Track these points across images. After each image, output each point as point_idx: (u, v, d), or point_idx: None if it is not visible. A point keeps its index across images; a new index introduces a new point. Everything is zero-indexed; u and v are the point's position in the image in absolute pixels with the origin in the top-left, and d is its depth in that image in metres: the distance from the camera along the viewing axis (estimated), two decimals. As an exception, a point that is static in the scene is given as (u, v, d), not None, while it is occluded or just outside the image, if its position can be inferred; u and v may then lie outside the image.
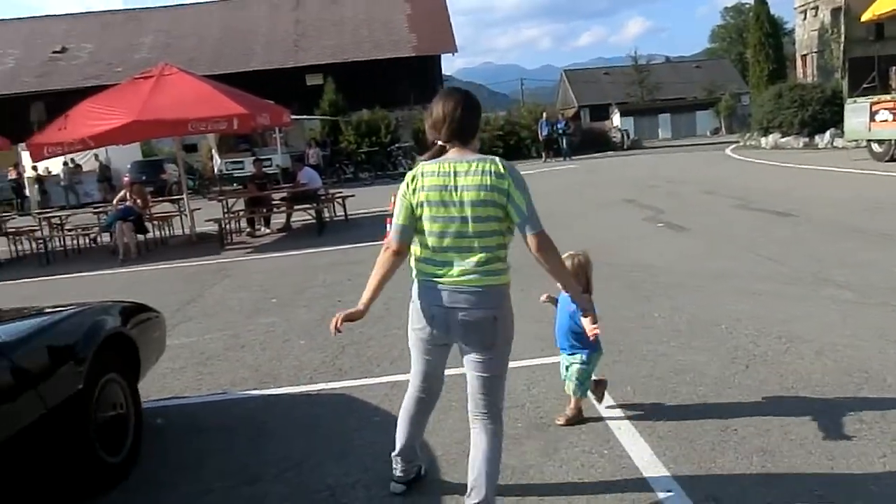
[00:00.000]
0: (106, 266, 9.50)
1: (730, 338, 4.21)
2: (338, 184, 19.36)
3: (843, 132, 16.24)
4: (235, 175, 20.92)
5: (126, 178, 12.79)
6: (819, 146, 19.00)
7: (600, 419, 3.25)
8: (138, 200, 10.87)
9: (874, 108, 13.85)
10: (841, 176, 12.54)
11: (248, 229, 11.83)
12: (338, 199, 12.43)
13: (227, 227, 11.30)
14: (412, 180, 2.36)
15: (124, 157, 22.14)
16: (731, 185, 12.17)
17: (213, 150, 23.20)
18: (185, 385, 4.27)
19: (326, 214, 11.93)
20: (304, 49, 30.25)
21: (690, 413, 3.24)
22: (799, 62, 26.66)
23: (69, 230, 11.78)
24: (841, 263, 5.83)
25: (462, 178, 2.29)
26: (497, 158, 2.35)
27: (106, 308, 3.38)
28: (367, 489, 2.79)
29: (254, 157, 15.88)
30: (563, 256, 2.56)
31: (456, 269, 2.32)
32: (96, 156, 22.37)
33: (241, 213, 11.96)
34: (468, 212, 2.28)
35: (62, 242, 11.53)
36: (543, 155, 23.82)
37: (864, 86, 15.96)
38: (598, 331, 2.57)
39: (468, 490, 2.40)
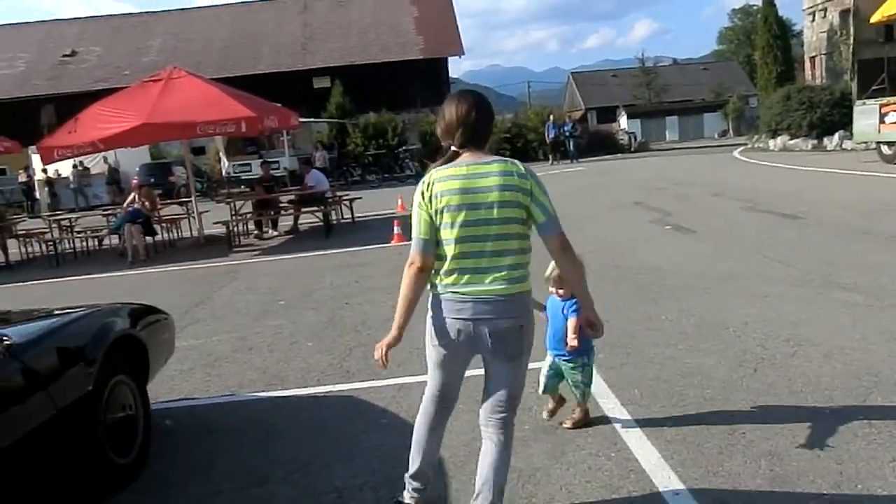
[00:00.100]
0: (115, 268, 9.56)
1: (738, 341, 4.20)
2: (345, 186, 19.41)
3: (852, 134, 16.15)
4: (243, 178, 21.04)
5: (134, 181, 12.89)
6: (828, 148, 18.90)
7: (608, 422, 3.25)
8: (147, 203, 10.93)
9: (883, 110, 13.77)
10: (850, 178, 12.47)
11: (255, 232, 11.89)
12: (345, 202, 12.47)
13: (235, 229, 11.36)
14: (427, 188, 2.26)
15: (133, 160, 22.30)
16: (739, 188, 12.12)
17: (221, 153, 23.34)
18: (194, 387, 4.30)
19: (334, 217, 11.96)
20: (312, 52, 30.36)
21: (698, 416, 3.23)
22: (807, 64, 26.52)
23: (78, 232, 11.87)
24: (850, 266, 5.80)
25: (483, 180, 2.21)
26: (514, 160, 2.30)
27: (115, 310, 3.41)
28: (375, 491, 2.80)
29: (261, 160, 15.95)
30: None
31: (481, 278, 2.22)
32: (105, 158, 22.54)
33: (249, 216, 12.01)
34: (493, 214, 2.20)
35: (72, 245, 11.62)
36: (550, 157, 23.80)
37: (874, 88, 15.86)
38: (575, 343, 2.60)
39: (475, 494, 2.40)
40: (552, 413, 3.29)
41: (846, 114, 17.34)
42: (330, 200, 12.09)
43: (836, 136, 18.84)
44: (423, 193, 2.28)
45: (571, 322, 2.80)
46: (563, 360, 3.13)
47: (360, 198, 13.18)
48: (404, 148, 24.28)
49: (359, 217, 12.45)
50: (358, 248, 9.16)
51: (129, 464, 3.05)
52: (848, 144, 17.69)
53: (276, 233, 11.91)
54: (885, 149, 14.03)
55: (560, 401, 3.30)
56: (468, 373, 3.74)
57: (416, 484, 2.51)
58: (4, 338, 2.67)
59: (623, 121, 41.25)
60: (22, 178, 24.45)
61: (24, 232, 12.16)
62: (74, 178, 23.10)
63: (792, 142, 20.30)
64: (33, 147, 13.30)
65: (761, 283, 5.52)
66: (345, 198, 12.66)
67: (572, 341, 2.58)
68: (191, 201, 12.25)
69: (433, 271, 2.30)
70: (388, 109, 26.02)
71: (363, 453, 3.14)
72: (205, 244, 11.13)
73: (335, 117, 26.02)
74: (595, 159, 24.27)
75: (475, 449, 3.04)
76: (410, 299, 2.33)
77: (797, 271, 5.80)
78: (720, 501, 2.52)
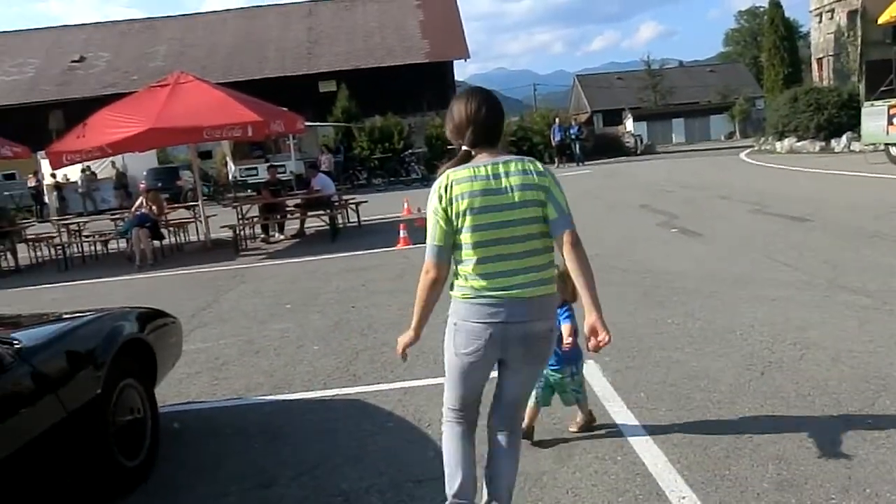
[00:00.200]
0: (123, 272, 9.62)
1: (744, 344, 4.19)
2: (351, 190, 19.46)
3: (859, 136, 16.07)
4: (250, 182, 21.12)
5: (142, 185, 12.96)
6: (835, 150, 18.82)
7: (614, 426, 3.25)
8: (154, 207, 11.00)
9: (892, 112, 13.71)
10: (858, 180, 12.41)
11: (262, 235, 11.93)
12: (351, 206, 12.50)
13: (242, 233, 11.40)
14: (445, 191, 2.15)
15: (140, 165, 22.42)
16: (745, 190, 12.08)
17: (228, 157, 23.44)
18: (201, 390, 4.32)
19: (340, 221, 11.99)
20: (317, 56, 30.49)
21: (704, 420, 3.22)
22: (815, 65, 26.42)
23: (87, 237, 11.94)
24: (858, 269, 5.77)
25: (505, 180, 2.14)
26: (532, 158, 2.24)
27: (123, 314, 3.43)
28: (381, 494, 2.80)
29: (268, 164, 16.01)
30: None
31: (511, 280, 2.14)
32: (113, 163, 22.67)
33: (256, 220, 12.06)
34: (516, 214, 2.13)
35: (80, 249, 11.69)
36: (556, 160, 23.79)
37: (882, 89, 15.79)
38: (570, 341, 2.56)
39: (486, 498, 2.38)
40: (530, 434, 3.11)
41: (854, 115, 17.26)
42: (336, 204, 12.13)
43: (844, 137, 18.75)
44: (440, 197, 2.16)
45: (566, 326, 2.74)
46: (552, 370, 3.03)
47: (366, 201, 13.21)
48: (410, 151, 24.31)
49: (365, 221, 12.48)
50: (364, 252, 9.18)
51: (137, 466, 3.07)
52: (856, 146, 17.60)
53: (282, 237, 11.95)
54: (893, 150, 13.95)
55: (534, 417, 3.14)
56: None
57: (463, 502, 2.35)
58: (15, 341, 2.70)
59: (629, 123, 41.16)
60: (31, 182, 24.64)
61: (33, 236, 12.26)
62: (83, 183, 23.25)
63: (799, 144, 20.22)
64: (42, 152, 13.39)
65: (768, 286, 5.50)
66: (351, 201, 12.69)
67: (568, 338, 2.55)
68: (198, 205, 12.31)
69: (460, 276, 2.20)
70: (394, 113, 26.08)
71: (370, 456, 3.15)
72: (212, 248, 11.18)
73: (341, 121, 26.10)
74: (601, 162, 24.25)
75: (481, 453, 3.05)
76: (427, 304, 2.27)
77: (804, 274, 5.78)
78: (727, 505, 2.51)
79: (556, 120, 25.00)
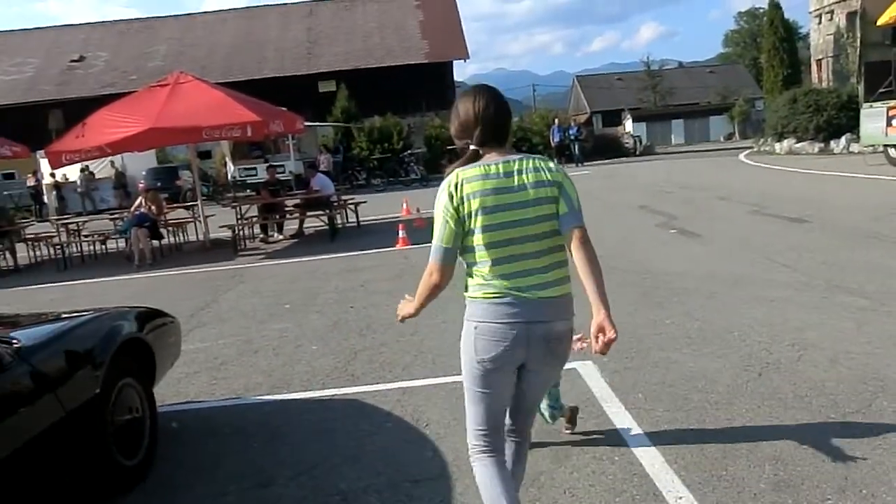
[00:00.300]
0: (122, 272, 9.62)
1: (742, 345, 4.19)
2: (350, 190, 19.46)
3: (858, 137, 16.09)
4: (249, 181, 21.13)
5: (141, 185, 12.96)
6: (834, 151, 18.84)
7: (611, 426, 3.25)
8: (153, 207, 11.00)
9: (891, 113, 13.71)
10: (856, 181, 12.42)
11: (261, 235, 11.94)
12: (350, 206, 12.50)
13: (241, 233, 11.40)
14: (455, 189, 2.07)
15: (139, 164, 22.42)
16: (744, 191, 12.10)
17: (227, 157, 23.44)
18: (200, 390, 4.32)
19: (339, 221, 12.00)
20: (317, 56, 30.51)
21: (702, 420, 3.23)
22: (814, 67, 26.44)
23: (86, 236, 11.94)
24: (856, 270, 5.78)
25: (518, 178, 2.08)
26: (543, 156, 2.21)
27: (122, 313, 3.44)
28: (379, 493, 2.81)
29: (267, 164, 16.02)
30: None
31: (530, 279, 2.08)
32: (112, 163, 22.67)
33: (255, 220, 12.07)
34: (530, 213, 2.07)
35: (79, 248, 11.69)
36: (555, 161, 23.79)
37: (881, 90, 15.79)
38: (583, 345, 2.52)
39: None
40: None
41: (853, 117, 17.27)
42: (335, 204, 12.13)
43: (843, 139, 18.77)
44: (451, 196, 2.08)
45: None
46: None
47: (365, 202, 13.22)
48: (409, 152, 24.31)
49: (364, 221, 12.49)
50: (363, 252, 9.19)
51: (136, 465, 3.07)
52: (855, 148, 17.63)
53: (281, 237, 11.96)
54: (892, 152, 13.96)
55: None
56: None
57: None
58: (14, 341, 2.70)
59: (628, 124, 41.20)
60: (30, 182, 24.64)
61: (32, 236, 12.26)
62: (82, 183, 23.25)
63: (798, 145, 20.24)
64: (41, 151, 13.38)
65: (767, 287, 5.51)
66: (350, 202, 12.70)
67: (580, 343, 2.52)
68: (197, 205, 12.31)
69: (478, 277, 2.10)
70: (394, 113, 26.10)
71: (368, 456, 3.16)
72: (211, 248, 11.18)
73: (340, 121, 26.12)
74: (600, 163, 24.26)
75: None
76: (427, 300, 2.23)
77: (803, 275, 5.79)
78: (724, 505, 2.52)
79: (556, 121, 25.02)
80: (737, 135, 39.96)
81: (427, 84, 28.34)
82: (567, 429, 3.19)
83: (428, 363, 4.34)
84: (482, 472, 2.18)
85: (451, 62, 30.51)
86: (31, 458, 2.52)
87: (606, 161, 24.91)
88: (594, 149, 26.41)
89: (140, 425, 3.20)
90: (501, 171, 2.09)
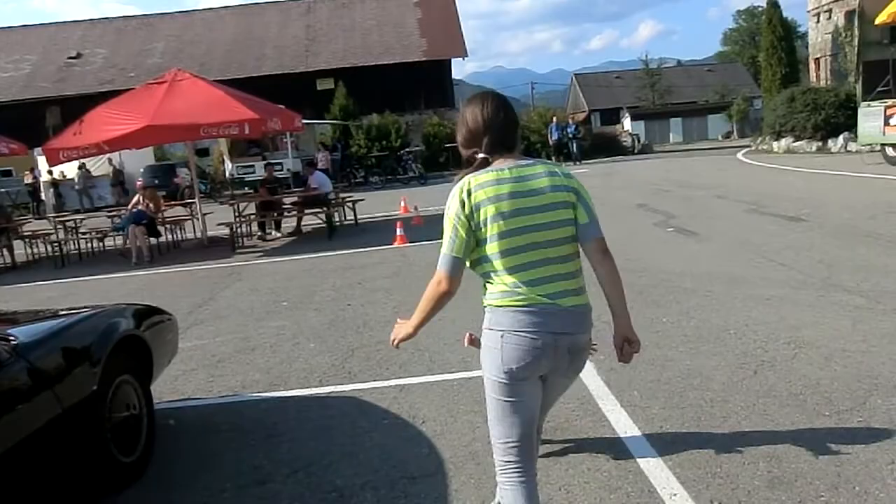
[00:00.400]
0: (119, 269, 9.61)
1: (738, 343, 4.21)
2: (348, 188, 19.46)
3: (856, 136, 16.11)
4: (247, 179, 21.12)
5: (139, 183, 12.94)
6: (832, 150, 18.87)
7: (607, 424, 3.27)
8: (151, 204, 10.99)
9: (888, 112, 13.74)
10: (854, 180, 12.45)
11: (258, 233, 11.94)
12: (348, 204, 12.51)
13: (239, 230, 11.40)
14: (467, 196, 2.00)
15: (137, 162, 22.40)
16: (742, 190, 12.11)
17: (225, 155, 23.40)
18: (197, 387, 4.33)
19: (337, 218, 12.00)
20: (315, 54, 30.46)
21: (697, 418, 3.25)
22: (812, 66, 26.51)
23: (83, 234, 11.94)
24: (853, 268, 5.80)
25: (531, 182, 2.03)
26: (553, 162, 2.20)
27: (120, 311, 3.44)
28: (376, 490, 2.82)
29: (265, 162, 16.01)
30: None
31: (559, 285, 2.02)
32: (110, 160, 22.65)
33: (252, 217, 12.06)
34: (547, 217, 2.01)
35: (76, 246, 11.68)
36: (553, 159, 23.81)
37: (879, 89, 15.83)
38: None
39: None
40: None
41: (851, 115, 17.29)
42: (333, 202, 12.14)
43: (841, 138, 18.80)
44: (462, 203, 2.00)
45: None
46: None
47: (363, 199, 13.22)
48: (407, 150, 24.31)
49: (362, 219, 12.49)
50: (361, 250, 9.19)
51: (133, 462, 3.08)
52: (852, 146, 17.65)
53: (279, 234, 11.96)
54: (889, 151, 14.00)
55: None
56: (467, 374, 3.77)
57: None
58: (11, 338, 2.71)
59: (627, 122, 41.21)
60: (28, 179, 24.60)
61: (29, 233, 12.24)
62: (80, 180, 23.22)
63: (796, 144, 20.27)
64: (39, 149, 13.37)
65: (763, 285, 5.53)
66: (348, 199, 12.69)
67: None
68: (195, 203, 12.30)
69: (499, 285, 2.03)
70: (392, 111, 26.09)
71: (365, 453, 3.17)
72: (208, 245, 11.18)
73: (338, 119, 26.10)
74: (598, 161, 24.27)
75: (475, 451, 3.08)
76: (431, 313, 2.14)
77: (799, 274, 5.81)
78: (718, 501, 2.53)
79: (554, 119, 25.00)
80: (735, 133, 39.96)
81: (425, 82, 28.34)
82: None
83: (425, 361, 4.35)
84: (510, 495, 2.07)
85: (450, 60, 30.49)
86: (28, 455, 2.53)
87: (604, 159, 24.92)
88: (592, 147, 26.41)
89: (137, 422, 3.21)
90: (517, 175, 2.03)
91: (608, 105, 49.71)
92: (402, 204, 12.83)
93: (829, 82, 23.79)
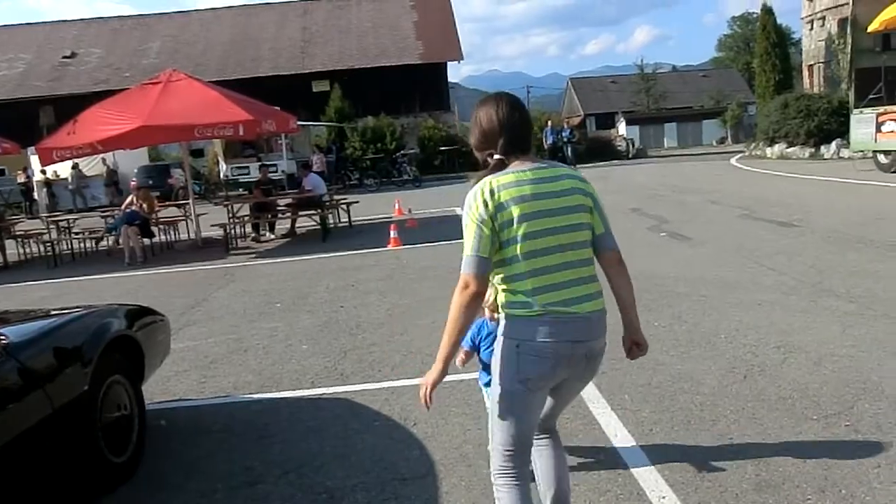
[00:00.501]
0: (112, 269, 9.58)
1: (729, 348, 4.24)
2: (342, 190, 19.46)
3: (849, 143, 16.24)
4: (241, 180, 21.08)
5: (133, 183, 12.90)
6: (825, 157, 18.99)
7: (597, 427, 3.28)
8: (144, 205, 10.96)
9: (880, 119, 13.87)
10: (846, 187, 12.54)
11: (252, 234, 11.92)
12: (342, 206, 12.51)
13: (233, 232, 11.38)
14: (491, 197, 1.95)
15: (131, 162, 22.31)
16: (735, 195, 12.18)
17: (220, 156, 23.38)
18: (189, 388, 4.32)
19: (331, 220, 12.00)
20: (311, 55, 30.44)
21: (687, 421, 3.27)
22: (805, 72, 26.67)
23: (76, 234, 11.89)
24: (844, 274, 5.85)
25: (552, 185, 2.00)
26: (567, 166, 2.18)
27: (112, 311, 3.44)
28: (367, 492, 2.83)
29: (259, 163, 16.01)
30: None
31: (576, 290, 2.00)
32: (104, 160, 22.56)
33: (247, 219, 12.05)
34: (568, 220, 2.00)
35: (69, 246, 11.64)
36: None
37: (871, 96, 15.95)
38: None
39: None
40: None
41: (843, 122, 17.43)
42: (327, 204, 12.14)
43: (834, 144, 18.94)
44: (485, 203, 1.95)
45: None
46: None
47: (357, 202, 13.23)
48: (402, 152, 24.32)
49: (356, 221, 12.49)
50: (354, 252, 9.20)
51: (124, 462, 3.08)
52: (845, 153, 17.79)
53: (273, 236, 11.95)
54: (881, 157, 14.11)
55: None
56: (466, 376, 3.78)
57: None
58: (2, 337, 2.70)
59: (622, 127, 41.41)
60: (21, 178, 24.45)
61: (22, 233, 12.18)
62: (73, 180, 23.12)
63: (789, 150, 20.39)
64: (32, 148, 13.30)
65: (755, 290, 5.57)
66: (342, 201, 12.70)
67: None
68: (189, 204, 12.28)
69: (507, 290, 2.00)
70: (387, 114, 26.10)
71: (356, 455, 3.18)
72: (202, 246, 11.16)
73: (334, 121, 26.09)
74: (593, 165, 24.33)
75: (465, 453, 3.09)
76: (463, 328, 2.02)
77: (791, 279, 5.85)
78: (707, 505, 2.55)
79: (549, 123, 25.06)
80: (729, 139, 40.19)
81: (421, 85, 28.35)
82: None
83: (417, 363, 4.36)
84: (507, 498, 2.10)
85: (446, 63, 30.50)
86: (19, 455, 2.52)
87: (599, 164, 25.00)
88: (587, 151, 26.50)
89: (128, 423, 3.21)
90: (538, 177, 2.00)
91: (603, 109, 49.91)
92: (397, 206, 12.84)
93: (822, 89, 23.94)
